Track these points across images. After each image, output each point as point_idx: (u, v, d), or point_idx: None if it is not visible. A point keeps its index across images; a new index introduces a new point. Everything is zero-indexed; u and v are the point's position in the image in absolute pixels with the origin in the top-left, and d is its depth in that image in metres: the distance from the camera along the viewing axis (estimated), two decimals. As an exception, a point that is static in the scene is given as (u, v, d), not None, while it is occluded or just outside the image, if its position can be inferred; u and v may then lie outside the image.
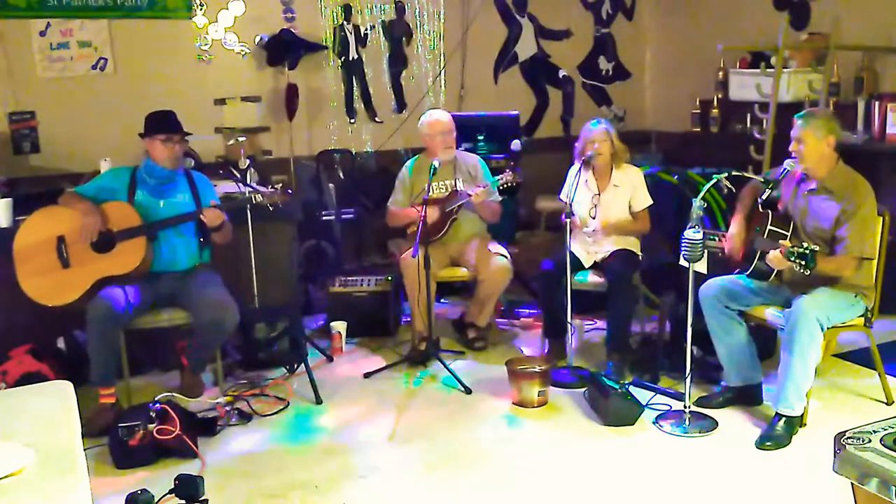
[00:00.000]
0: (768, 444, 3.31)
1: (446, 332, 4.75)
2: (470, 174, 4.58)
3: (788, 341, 3.32)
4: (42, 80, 5.01)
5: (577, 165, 4.17)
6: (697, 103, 6.10)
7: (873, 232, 3.44)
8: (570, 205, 4.02)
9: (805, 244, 3.17)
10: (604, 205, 4.24)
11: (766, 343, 4.01)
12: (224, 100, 5.48)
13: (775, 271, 3.47)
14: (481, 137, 5.47)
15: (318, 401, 3.91)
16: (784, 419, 3.34)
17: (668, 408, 3.68)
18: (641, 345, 4.35)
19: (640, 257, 4.30)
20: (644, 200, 4.27)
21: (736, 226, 3.68)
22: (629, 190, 4.25)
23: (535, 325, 4.85)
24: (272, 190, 3.96)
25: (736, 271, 3.70)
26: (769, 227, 3.49)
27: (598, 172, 4.27)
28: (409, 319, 4.60)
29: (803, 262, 3.12)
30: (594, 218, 4.24)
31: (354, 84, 5.92)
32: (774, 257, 3.31)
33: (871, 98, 5.00)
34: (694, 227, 3.33)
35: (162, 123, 3.81)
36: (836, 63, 5.09)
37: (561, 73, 6.64)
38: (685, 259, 3.38)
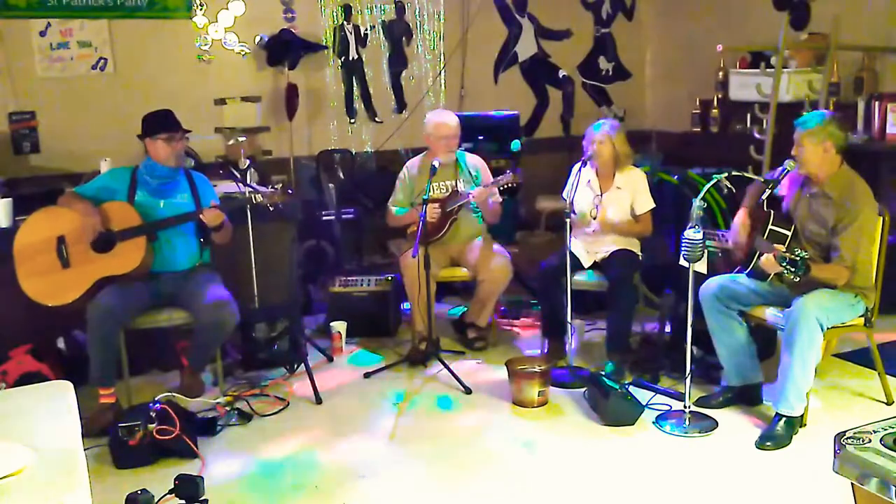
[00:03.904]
0: (768, 444, 3.31)
1: (446, 332, 4.76)
2: (470, 174, 4.58)
3: (788, 342, 3.32)
4: (42, 80, 5.01)
5: (577, 165, 4.17)
6: (697, 103, 6.10)
7: (870, 240, 3.41)
8: (571, 204, 4.02)
9: (797, 251, 3.14)
10: (605, 206, 4.24)
11: (766, 343, 4.01)
12: (224, 100, 5.48)
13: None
14: (481, 137, 5.48)
15: (318, 401, 3.91)
16: (784, 419, 3.34)
17: (668, 408, 3.68)
18: (641, 345, 4.35)
19: (641, 257, 4.30)
20: (646, 203, 4.26)
21: (740, 218, 3.67)
22: (631, 192, 4.25)
23: (535, 326, 4.85)
24: (272, 190, 3.96)
25: (736, 270, 3.70)
26: (770, 226, 3.49)
27: (602, 174, 4.27)
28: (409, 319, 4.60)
29: (793, 269, 3.11)
30: (595, 218, 4.24)
31: (354, 84, 5.92)
32: (767, 261, 3.31)
33: (871, 98, 5.00)
34: (694, 227, 3.33)
35: (163, 123, 3.80)
36: (836, 63, 5.08)
37: (561, 73, 6.63)
38: (685, 259, 3.38)
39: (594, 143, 4.17)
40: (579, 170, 4.07)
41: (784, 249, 3.23)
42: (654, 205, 4.27)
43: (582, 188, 4.16)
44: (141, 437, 3.26)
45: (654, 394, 3.83)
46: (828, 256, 3.40)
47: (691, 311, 3.46)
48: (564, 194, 4.34)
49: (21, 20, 4.91)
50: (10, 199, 3.96)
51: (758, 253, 3.48)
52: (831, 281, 3.35)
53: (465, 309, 4.74)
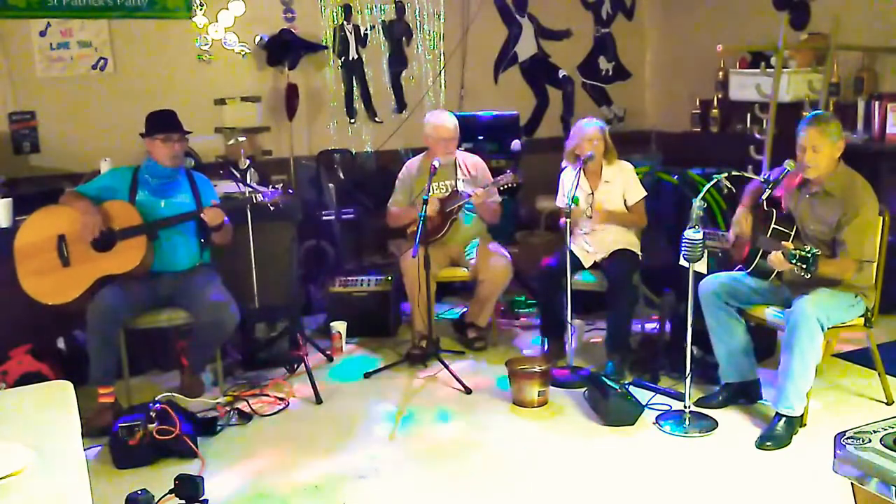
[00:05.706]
0: (768, 444, 3.31)
1: (446, 332, 4.75)
2: (470, 174, 4.58)
3: (788, 341, 3.31)
4: (42, 80, 5.00)
5: (573, 169, 4.17)
6: (697, 103, 6.10)
7: (874, 235, 3.42)
8: (570, 206, 4.02)
9: (807, 247, 3.15)
10: (598, 202, 4.24)
11: (766, 343, 4.01)
12: (224, 100, 5.47)
13: (776, 270, 3.47)
14: (481, 137, 5.47)
15: (318, 401, 3.91)
16: (784, 419, 3.34)
17: (668, 408, 3.68)
18: (641, 345, 4.35)
19: (640, 257, 4.30)
20: (638, 193, 4.27)
21: (741, 213, 3.67)
22: (621, 184, 4.26)
23: (534, 326, 4.85)
24: (273, 190, 3.97)
25: (737, 268, 3.70)
26: (773, 226, 3.49)
27: (589, 171, 4.26)
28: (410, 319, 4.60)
29: (804, 266, 3.11)
30: (591, 217, 4.24)
31: (354, 84, 5.92)
32: (776, 258, 3.30)
33: (871, 98, 5.00)
34: (694, 227, 3.33)
35: (161, 123, 3.81)
36: (836, 63, 5.08)
37: (561, 73, 6.64)
38: (685, 259, 3.38)
39: (592, 141, 4.17)
40: (578, 172, 4.06)
41: (792, 246, 3.23)
42: (645, 193, 4.29)
43: (578, 188, 4.16)
44: (141, 437, 3.26)
45: (654, 394, 3.83)
46: (833, 254, 3.40)
47: (691, 311, 3.46)
48: (559, 200, 4.34)
49: (21, 20, 4.90)
50: (10, 199, 3.97)
51: (760, 252, 3.48)
52: (839, 276, 3.35)
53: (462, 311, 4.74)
